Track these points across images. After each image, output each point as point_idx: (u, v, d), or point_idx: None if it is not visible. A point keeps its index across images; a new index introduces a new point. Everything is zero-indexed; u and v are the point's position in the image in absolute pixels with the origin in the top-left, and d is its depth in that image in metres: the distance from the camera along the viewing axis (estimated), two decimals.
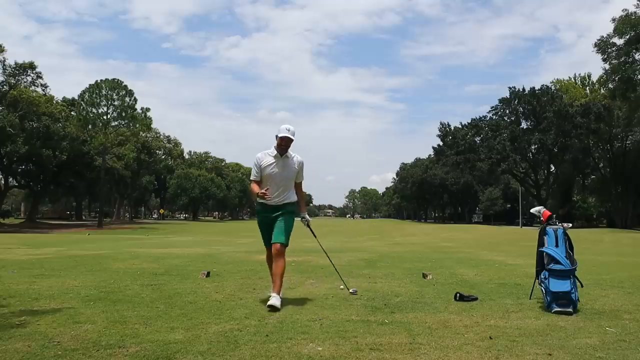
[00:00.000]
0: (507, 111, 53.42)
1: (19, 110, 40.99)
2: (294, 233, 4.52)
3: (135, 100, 46.95)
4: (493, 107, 54.19)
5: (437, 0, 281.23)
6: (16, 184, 53.61)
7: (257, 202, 4.52)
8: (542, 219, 4.71)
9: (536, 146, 51.20)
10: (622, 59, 39.14)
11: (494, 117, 54.23)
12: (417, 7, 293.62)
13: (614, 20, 38.57)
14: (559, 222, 4.60)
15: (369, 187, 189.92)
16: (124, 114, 46.59)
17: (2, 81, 40.62)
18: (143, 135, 56.67)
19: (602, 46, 40.17)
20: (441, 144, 60.64)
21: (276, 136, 4.42)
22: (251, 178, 4.59)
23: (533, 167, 53.61)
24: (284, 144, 4.43)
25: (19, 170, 50.34)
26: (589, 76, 57.24)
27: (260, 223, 4.60)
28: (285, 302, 4.46)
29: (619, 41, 39.34)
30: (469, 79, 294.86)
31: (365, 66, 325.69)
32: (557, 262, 4.28)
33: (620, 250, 18.58)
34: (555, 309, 4.08)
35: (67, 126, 46.01)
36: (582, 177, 56.05)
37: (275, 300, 4.07)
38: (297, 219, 4.71)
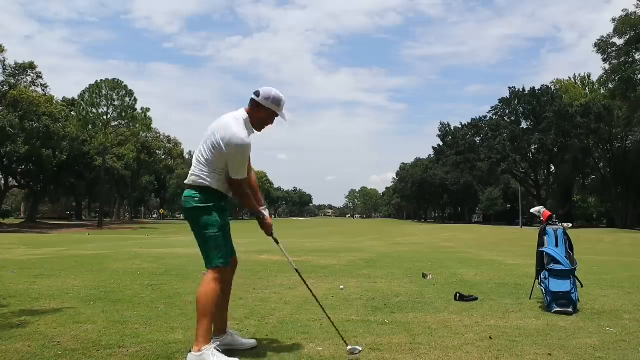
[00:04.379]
0: (507, 111, 53.47)
1: (19, 110, 41.01)
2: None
3: (135, 100, 47.03)
4: (493, 107, 54.34)
5: (439, 0, 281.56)
6: (16, 184, 53.66)
7: (217, 193, 2.83)
8: (542, 219, 4.71)
9: (536, 146, 51.22)
10: (622, 59, 39.18)
11: (494, 117, 54.26)
12: (419, 7, 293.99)
13: (614, 20, 38.62)
14: (559, 222, 4.60)
15: (369, 187, 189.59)
16: (124, 114, 46.60)
17: (2, 81, 40.68)
18: (143, 135, 56.68)
19: (602, 46, 40.19)
20: (441, 144, 60.72)
21: (263, 106, 2.85)
22: (242, 177, 2.85)
23: (533, 167, 53.62)
24: (268, 124, 2.96)
25: (19, 170, 50.37)
26: (589, 76, 57.42)
27: (222, 223, 2.86)
28: (285, 302, 4.47)
29: (619, 41, 39.42)
30: (470, 79, 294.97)
31: (366, 66, 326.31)
32: (557, 262, 4.28)
33: (620, 250, 18.58)
34: (555, 309, 4.08)
35: (67, 126, 46.02)
36: (582, 177, 56.06)
37: (251, 340, 3.06)
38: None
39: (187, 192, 2.87)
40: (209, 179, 2.80)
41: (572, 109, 46.50)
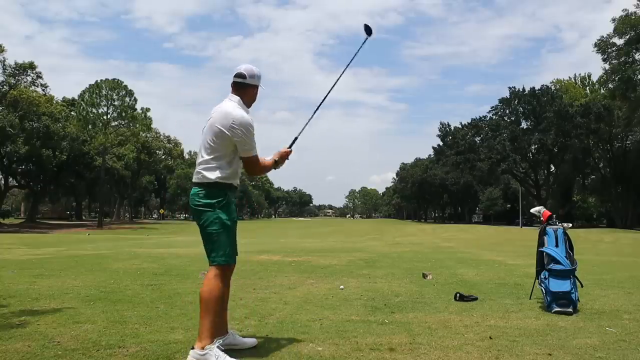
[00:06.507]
0: (507, 111, 53.48)
1: (19, 110, 40.97)
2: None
3: (135, 100, 46.97)
4: (493, 107, 54.38)
5: (439, 1, 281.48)
6: (16, 184, 53.63)
7: (223, 187, 2.86)
8: (542, 219, 4.71)
9: (536, 146, 51.22)
10: (622, 59, 39.16)
11: (494, 117, 54.27)
12: (419, 7, 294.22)
13: (614, 20, 38.60)
14: (559, 222, 4.60)
15: (369, 187, 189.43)
16: (124, 114, 46.55)
17: (2, 81, 40.62)
18: (143, 135, 56.61)
19: (602, 46, 40.18)
20: (441, 144, 60.75)
21: (250, 84, 2.96)
22: (256, 153, 2.92)
23: (533, 167, 53.61)
24: (255, 99, 3.07)
25: (19, 170, 50.34)
26: (589, 76, 57.45)
27: (226, 221, 2.86)
28: (285, 302, 4.47)
29: (619, 41, 39.41)
30: (470, 79, 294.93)
31: (366, 66, 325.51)
32: (557, 262, 4.28)
33: (620, 250, 18.60)
34: (555, 309, 4.08)
35: (67, 126, 45.99)
36: (582, 177, 56.04)
37: (251, 338, 3.06)
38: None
39: (193, 190, 2.90)
40: (214, 174, 2.81)
41: (572, 109, 46.49)
